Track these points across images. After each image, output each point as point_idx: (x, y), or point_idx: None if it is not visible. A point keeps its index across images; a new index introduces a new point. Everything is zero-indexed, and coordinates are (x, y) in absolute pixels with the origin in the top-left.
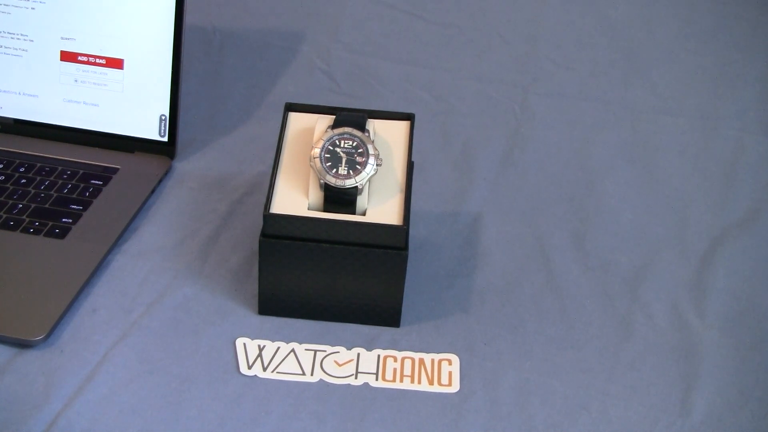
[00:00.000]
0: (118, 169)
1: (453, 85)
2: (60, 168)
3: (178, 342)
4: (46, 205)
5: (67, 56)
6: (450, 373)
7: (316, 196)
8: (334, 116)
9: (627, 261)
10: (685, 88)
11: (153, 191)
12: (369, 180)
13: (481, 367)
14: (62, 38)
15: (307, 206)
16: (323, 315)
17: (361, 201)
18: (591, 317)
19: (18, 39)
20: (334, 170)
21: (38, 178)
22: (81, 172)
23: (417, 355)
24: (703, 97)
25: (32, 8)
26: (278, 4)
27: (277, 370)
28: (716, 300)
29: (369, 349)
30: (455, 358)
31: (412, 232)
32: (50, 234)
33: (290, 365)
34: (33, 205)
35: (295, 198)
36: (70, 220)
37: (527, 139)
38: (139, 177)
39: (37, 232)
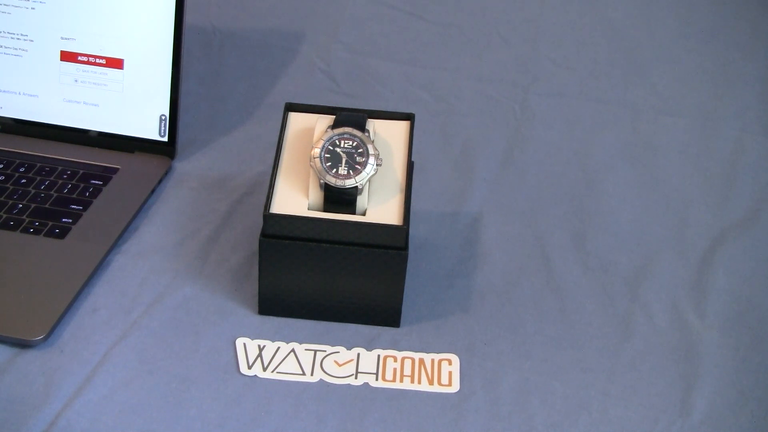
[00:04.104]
0: (118, 169)
1: (453, 85)
2: (60, 168)
3: (178, 342)
4: (46, 205)
5: (67, 56)
6: (450, 373)
7: (316, 196)
8: (334, 116)
9: (627, 261)
10: (685, 88)
11: (153, 191)
12: (369, 180)
13: (481, 367)
14: (62, 38)
15: (307, 206)
16: (323, 315)
17: (361, 201)
18: (591, 317)
19: (18, 39)
20: (334, 170)
21: (38, 178)
22: (81, 172)
23: (417, 355)
24: (703, 97)
25: (32, 8)
26: (278, 4)
27: (277, 370)
28: (716, 300)
29: (369, 349)
30: (455, 358)
31: (412, 232)
32: (50, 234)
33: (290, 365)
34: (33, 205)
35: (295, 198)
36: (70, 220)
37: (527, 139)
38: (139, 177)
39: (37, 232)
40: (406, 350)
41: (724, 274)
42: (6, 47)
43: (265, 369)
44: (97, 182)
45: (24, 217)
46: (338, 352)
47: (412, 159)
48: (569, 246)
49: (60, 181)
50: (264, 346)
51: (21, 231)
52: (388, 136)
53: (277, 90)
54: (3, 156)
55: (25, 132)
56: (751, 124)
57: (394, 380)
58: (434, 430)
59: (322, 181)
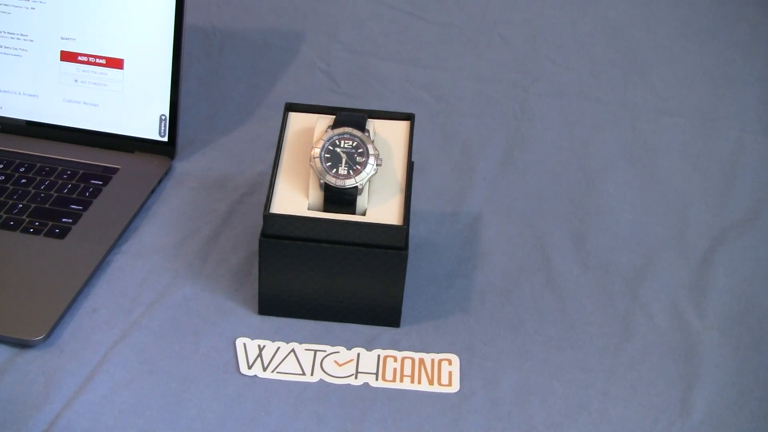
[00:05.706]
0: (118, 169)
1: (453, 85)
2: (60, 168)
3: (178, 342)
4: (46, 205)
5: (67, 56)
6: (450, 373)
7: (316, 196)
8: (334, 116)
9: (627, 261)
10: (685, 88)
11: (153, 191)
12: (369, 180)
13: (481, 367)
14: (62, 38)
15: (307, 206)
16: (323, 315)
17: (361, 201)
18: (591, 317)
19: (18, 39)
20: (334, 170)
21: (38, 178)
22: (81, 172)
23: (417, 355)
24: (703, 97)
25: (32, 8)
26: (278, 4)
27: (277, 370)
28: (716, 300)
29: (369, 349)
30: (455, 358)
31: (412, 232)
32: (50, 234)
33: (290, 365)
34: (33, 205)
35: (295, 198)
36: (70, 220)
37: (527, 139)
38: (139, 177)
39: (37, 232)
40: (406, 350)
41: (724, 274)
42: (6, 47)
43: (265, 369)
44: (97, 182)
45: (24, 217)
46: (338, 352)
47: (412, 159)
48: (569, 246)
49: (60, 181)
50: (264, 346)
51: (21, 231)
52: (388, 136)
53: (277, 90)
54: (3, 156)
55: (24, 132)
56: (751, 124)
57: (394, 380)
58: (434, 430)
59: (322, 181)
